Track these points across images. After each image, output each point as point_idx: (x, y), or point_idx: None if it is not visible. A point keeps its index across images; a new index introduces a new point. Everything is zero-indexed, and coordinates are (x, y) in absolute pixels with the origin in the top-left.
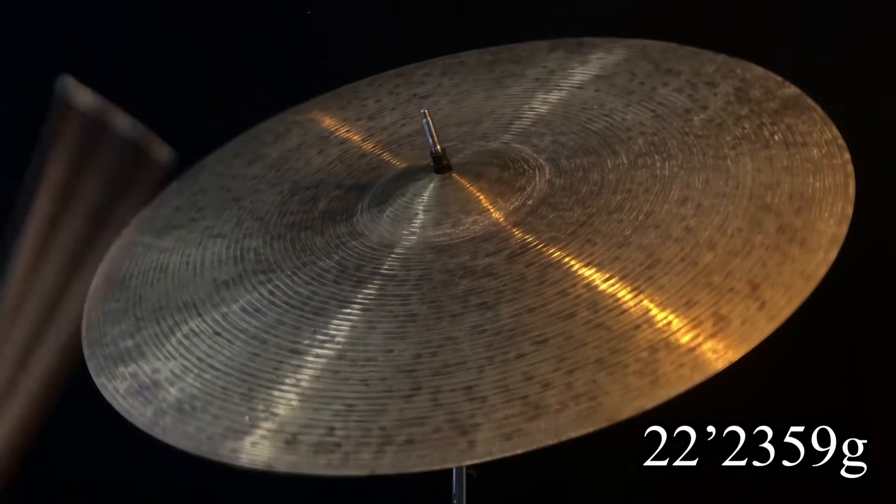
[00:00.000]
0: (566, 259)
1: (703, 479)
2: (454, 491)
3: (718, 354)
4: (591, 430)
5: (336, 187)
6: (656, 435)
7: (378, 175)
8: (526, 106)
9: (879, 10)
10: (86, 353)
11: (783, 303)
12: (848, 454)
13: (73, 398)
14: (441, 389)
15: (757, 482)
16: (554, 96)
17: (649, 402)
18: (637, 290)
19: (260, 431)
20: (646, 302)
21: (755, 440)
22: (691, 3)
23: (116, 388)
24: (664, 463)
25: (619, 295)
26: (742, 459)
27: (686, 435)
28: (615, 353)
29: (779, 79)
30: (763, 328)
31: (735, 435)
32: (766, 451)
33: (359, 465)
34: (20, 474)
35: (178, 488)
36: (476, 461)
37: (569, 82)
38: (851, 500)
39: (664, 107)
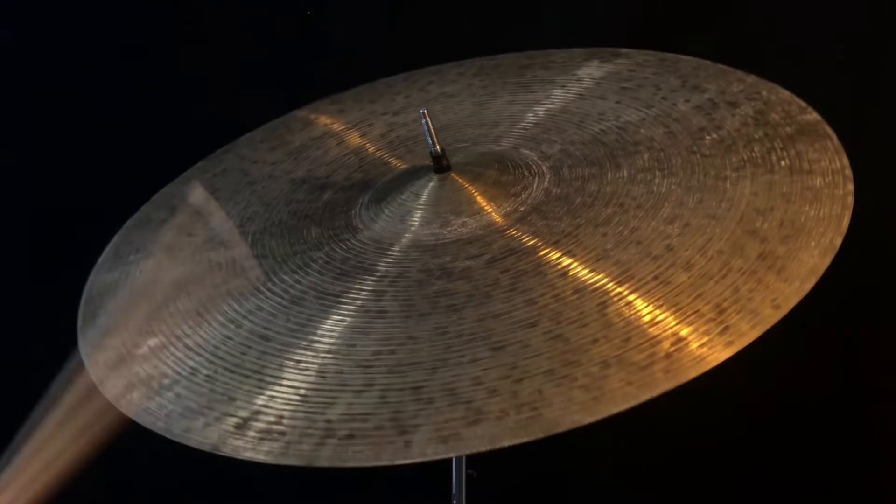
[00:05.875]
0: (541, 268)
1: (702, 479)
2: (454, 491)
3: (669, 375)
4: (525, 440)
5: (344, 180)
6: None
7: (386, 171)
8: (544, 112)
9: (880, 11)
10: (79, 322)
11: (745, 329)
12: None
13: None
14: (391, 388)
15: (757, 481)
16: (574, 105)
17: (587, 418)
18: (603, 305)
19: (214, 413)
20: (608, 317)
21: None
22: (689, 7)
23: (97, 360)
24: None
25: (584, 308)
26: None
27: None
28: (567, 365)
29: (802, 104)
30: (720, 353)
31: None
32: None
33: (298, 455)
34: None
35: (178, 488)
36: (408, 461)
37: (593, 92)
38: (852, 501)
39: (679, 123)
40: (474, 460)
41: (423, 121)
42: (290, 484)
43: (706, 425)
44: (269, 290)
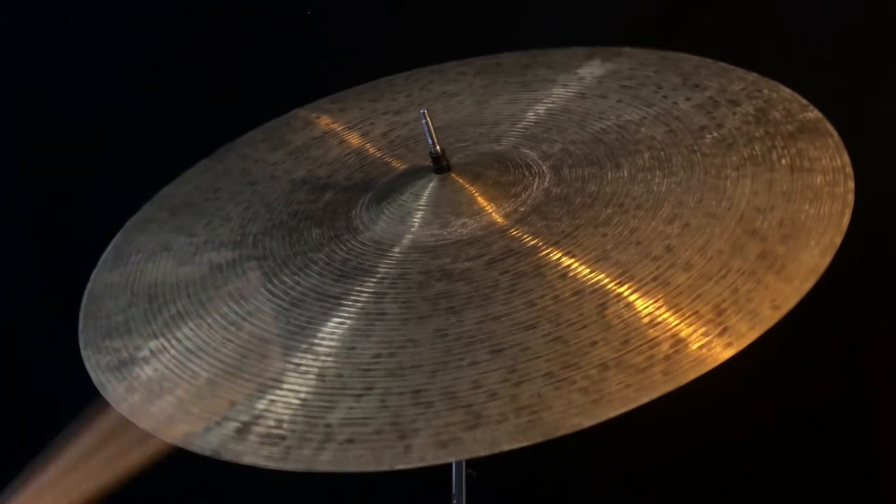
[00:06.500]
0: (541, 269)
1: (703, 479)
2: (454, 491)
3: (668, 377)
4: (524, 444)
5: (345, 180)
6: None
7: (387, 171)
8: (545, 111)
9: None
10: (80, 323)
11: (744, 331)
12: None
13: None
14: (391, 391)
15: (757, 482)
16: (576, 104)
17: (587, 421)
18: (602, 306)
19: (215, 418)
20: (607, 318)
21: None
22: (689, 6)
23: (98, 362)
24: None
25: (584, 309)
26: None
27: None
28: (566, 367)
29: (804, 102)
30: (719, 355)
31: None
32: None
33: (298, 460)
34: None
35: (179, 489)
36: (408, 466)
37: (594, 91)
38: (851, 500)
39: (680, 122)
40: (474, 460)
41: (423, 121)
42: (288, 480)
43: (705, 425)
44: (269, 291)
